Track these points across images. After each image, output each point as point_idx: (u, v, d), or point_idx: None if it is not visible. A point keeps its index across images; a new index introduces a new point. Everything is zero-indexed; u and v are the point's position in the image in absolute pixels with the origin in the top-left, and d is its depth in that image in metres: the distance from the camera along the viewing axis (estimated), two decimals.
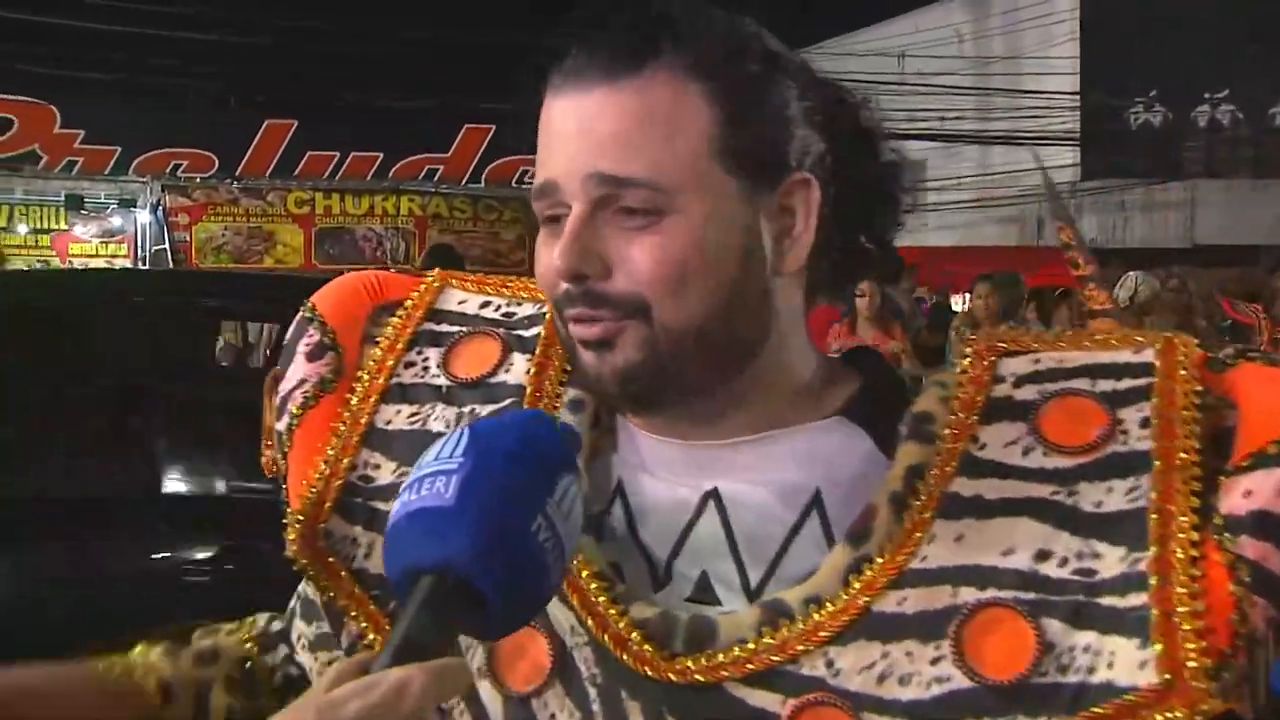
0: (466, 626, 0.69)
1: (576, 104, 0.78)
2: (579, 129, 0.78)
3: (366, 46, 19.22)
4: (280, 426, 0.95)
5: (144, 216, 16.20)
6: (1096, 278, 4.16)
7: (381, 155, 16.88)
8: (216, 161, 16.30)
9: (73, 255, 16.38)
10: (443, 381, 0.92)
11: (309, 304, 0.98)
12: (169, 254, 15.55)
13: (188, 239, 15.76)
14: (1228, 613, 0.72)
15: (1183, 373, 0.79)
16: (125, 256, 16.45)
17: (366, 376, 0.93)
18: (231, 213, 16.01)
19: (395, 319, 0.95)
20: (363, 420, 0.91)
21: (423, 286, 0.97)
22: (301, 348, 0.95)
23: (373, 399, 0.92)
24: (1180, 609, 0.72)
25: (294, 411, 0.94)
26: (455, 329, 0.94)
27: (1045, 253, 15.96)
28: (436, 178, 16.96)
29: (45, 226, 16.25)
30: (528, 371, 0.90)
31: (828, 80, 0.86)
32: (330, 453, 0.90)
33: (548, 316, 0.91)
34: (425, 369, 0.93)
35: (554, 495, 0.68)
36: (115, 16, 16.40)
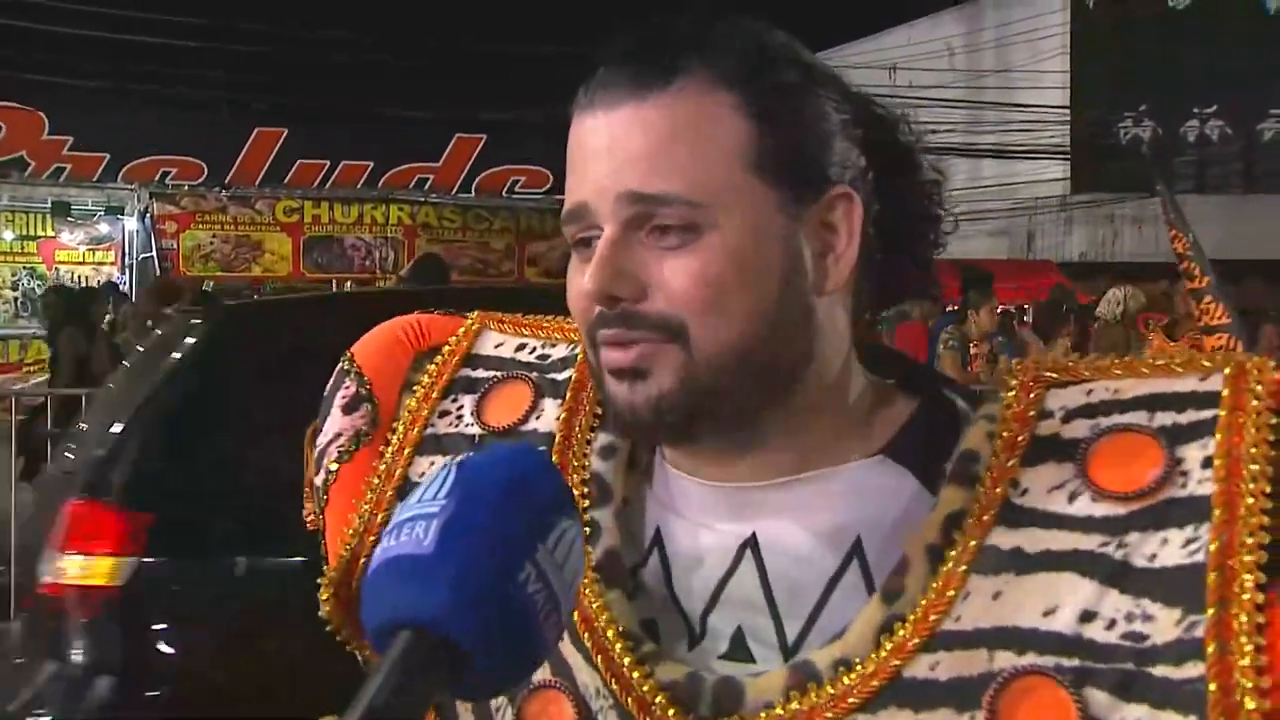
0: (447, 687, 0.62)
1: (605, 122, 0.75)
2: (608, 147, 0.74)
3: (358, 55, 19.21)
4: (318, 481, 0.93)
5: (132, 224, 16.12)
6: (1213, 290, 3.86)
7: (372, 164, 16.84)
8: (206, 169, 16.24)
9: (59, 262, 16.28)
10: (475, 430, 0.89)
11: (348, 354, 0.95)
12: (155, 262, 15.47)
13: (175, 247, 15.69)
14: None
15: (1255, 403, 0.69)
16: (113, 264, 16.36)
17: (401, 428, 0.90)
18: (219, 221, 15.95)
19: (433, 366, 0.92)
20: (396, 473, 0.88)
21: (461, 330, 0.95)
22: (338, 400, 0.93)
23: (407, 450, 0.89)
24: (1244, 684, 0.62)
25: (330, 466, 0.91)
26: (490, 374, 0.91)
27: (1035, 266, 16.00)
28: (427, 187, 16.92)
29: (32, 233, 16.15)
30: (558, 418, 0.87)
31: (864, 94, 0.81)
32: (365, 508, 0.87)
33: (579, 358, 0.88)
34: (460, 418, 0.90)
35: (547, 542, 0.61)
36: (104, 23, 16.37)
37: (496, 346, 0.94)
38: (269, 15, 17.99)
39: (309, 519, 0.95)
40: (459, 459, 0.67)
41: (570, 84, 0.80)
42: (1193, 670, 0.64)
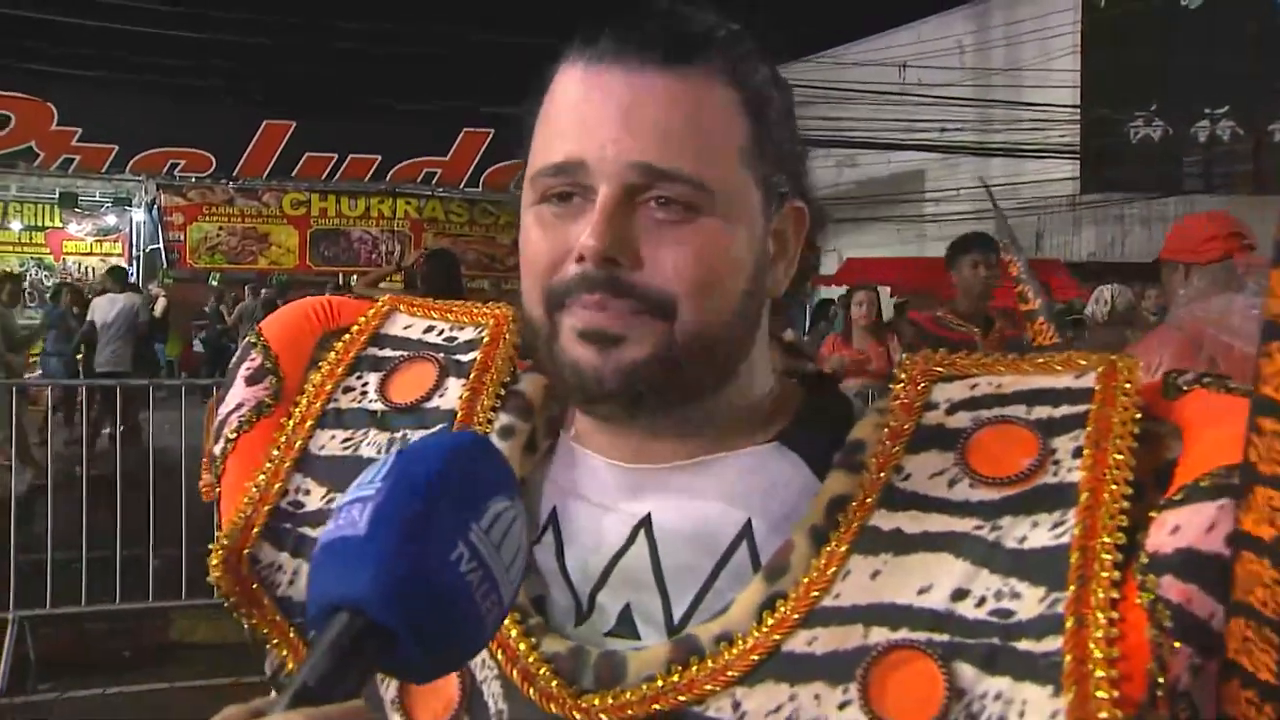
0: (384, 669, 0.62)
1: (623, 81, 0.73)
2: (623, 110, 0.73)
3: (367, 48, 19.21)
4: (216, 450, 0.93)
5: (139, 215, 16.15)
6: (1045, 312, 3.96)
7: (380, 157, 16.85)
8: (214, 161, 16.26)
9: (67, 253, 16.32)
10: (378, 406, 0.90)
11: (255, 329, 0.97)
12: (163, 254, 15.49)
13: (182, 239, 15.71)
14: (1145, 660, 0.66)
15: (1123, 399, 0.74)
16: (120, 255, 16.39)
17: (304, 401, 0.91)
18: (226, 213, 15.97)
19: (340, 344, 0.94)
20: (296, 445, 0.89)
21: (370, 311, 0.96)
22: (242, 371, 0.94)
23: (308, 423, 0.90)
24: (1096, 655, 0.66)
25: (229, 435, 0.92)
26: (397, 354, 0.93)
27: (1042, 265, 15.96)
28: (434, 181, 16.92)
29: (39, 224, 16.19)
30: (460, 396, 0.88)
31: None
32: (261, 477, 0.88)
33: (485, 341, 0.91)
34: (363, 394, 0.91)
35: (481, 521, 0.62)
36: (115, 14, 16.38)
37: (405, 328, 0.95)
38: (279, 8, 17.98)
39: (205, 490, 0.96)
40: (403, 447, 0.68)
41: None
42: (1052, 644, 0.67)
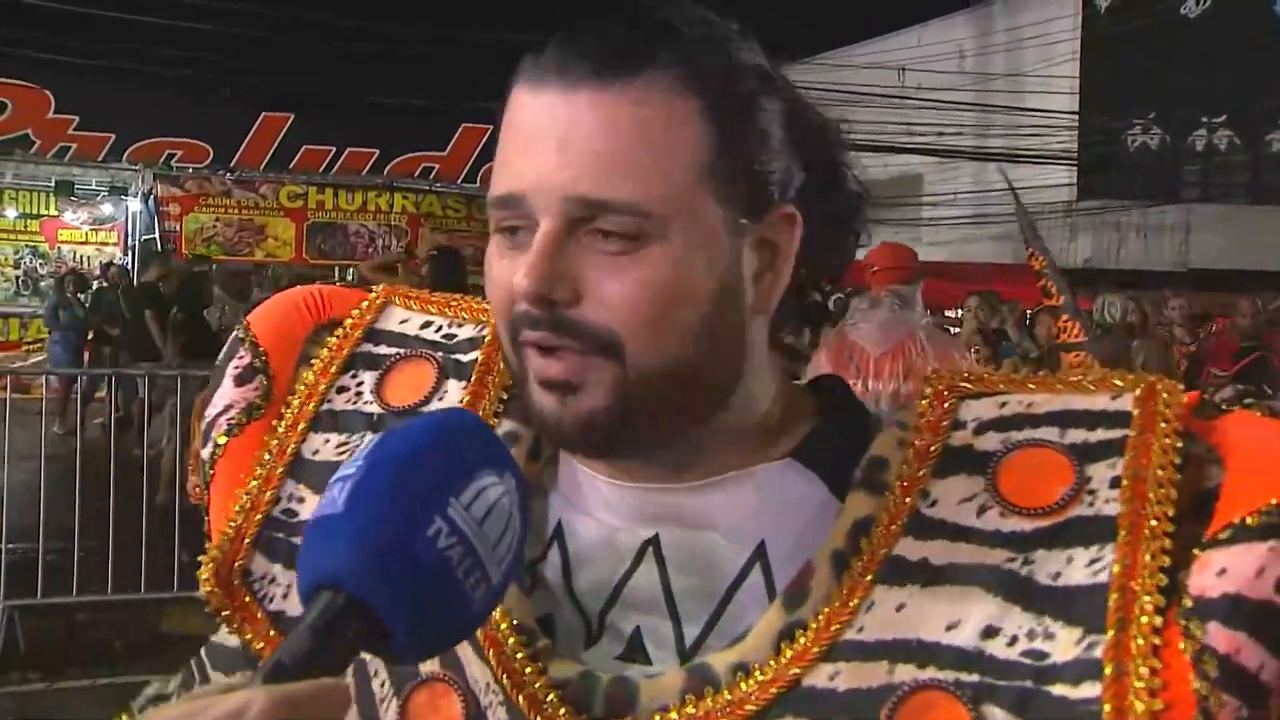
0: (367, 648, 0.61)
1: (559, 103, 0.68)
2: (559, 138, 0.68)
3: (366, 42, 19.17)
4: (205, 454, 0.88)
5: (135, 205, 16.10)
6: (1070, 309, 3.92)
7: (377, 151, 16.81)
8: (211, 152, 16.21)
9: (62, 242, 16.26)
10: (375, 409, 0.85)
11: (244, 322, 0.91)
12: (159, 244, 15.44)
13: (178, 229, 15.66)
14: (1190, 711, 0.62)
15: (1163, 425, 0.69)
16: (115, 244, 16.34)
17: (297, 402, 0.86)
18: (223, 204, 15.92)
19: (333, 339, 0.89)
20: (289, 449, 0.84)
21: (364, 304, 0.91)
22: (231, 370, 0.89)
23: (301, 426, 0.85)
24: (1138, 707, 0.62)
25: (218, 439, 0.87)
26: (393, 351, 0.88)
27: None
28: (432, 176, 16.90)
29: (35, 211, 16.12)
30: (461, 400, 0.84)
31: (804, 99, 0.77)
32: (252, 484, 0.83)
33: (486, 340, 0.86)
34: (359, 394, 0.86)
35: (461, 496, 0.60)
36: (114, 3, 16.32)
37: (401, 323, 0.90)
38: (280, 1, 17.95)
39: (193, 493, 0.92)
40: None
41: None
42: (1089, 690, 0.63)
